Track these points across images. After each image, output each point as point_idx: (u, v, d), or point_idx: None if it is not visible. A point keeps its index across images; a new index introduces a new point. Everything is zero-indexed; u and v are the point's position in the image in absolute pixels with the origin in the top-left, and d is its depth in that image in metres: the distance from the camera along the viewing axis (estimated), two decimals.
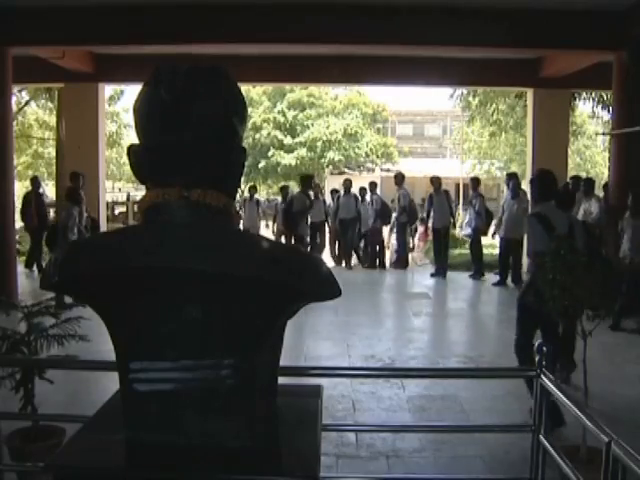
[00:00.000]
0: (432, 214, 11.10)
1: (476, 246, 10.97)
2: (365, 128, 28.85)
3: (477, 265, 10.87)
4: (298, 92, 27.92)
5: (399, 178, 11.89)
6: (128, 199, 18.36)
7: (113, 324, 1.36)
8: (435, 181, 11.28)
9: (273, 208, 13.45)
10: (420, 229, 13.27)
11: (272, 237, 11.80)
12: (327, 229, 13.01)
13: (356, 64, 10.62)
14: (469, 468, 3.85)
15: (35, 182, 11.56)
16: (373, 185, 12.66)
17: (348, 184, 12.49)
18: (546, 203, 4.65)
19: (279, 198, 14.37)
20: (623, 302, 6.68)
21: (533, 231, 4.54)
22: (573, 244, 4.03)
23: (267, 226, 14.44)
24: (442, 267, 11.00)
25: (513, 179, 10.43)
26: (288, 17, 8.05)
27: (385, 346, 6.58)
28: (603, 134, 17.68)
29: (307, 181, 11.40)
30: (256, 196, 13.48)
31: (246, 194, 13.04)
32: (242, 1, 7.95)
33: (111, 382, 1.54)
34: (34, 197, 11.14)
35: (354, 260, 12.69)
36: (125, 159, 19.09)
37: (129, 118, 19.71)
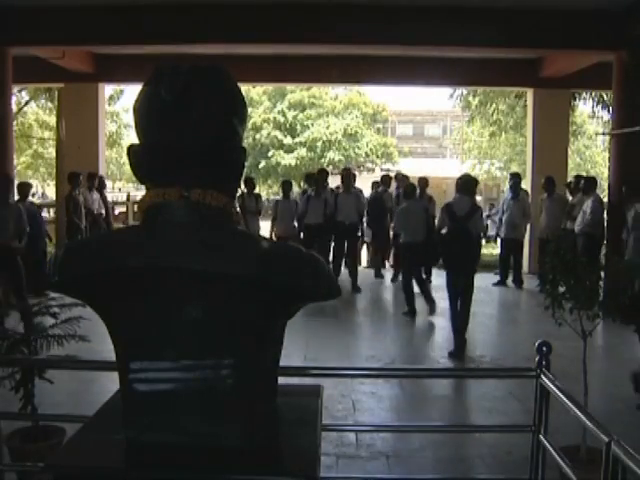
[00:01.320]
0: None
1: None
2: (365, 128, 28.83)
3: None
4: (298, 92, 27.91)
5: (398, 178, 11.87)
6: (128, 199, 18.31)
7: (113, 324, 1.36)
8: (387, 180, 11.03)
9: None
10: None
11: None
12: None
13: (356, 64, 10.61)
14: (469, 468, 3.85)
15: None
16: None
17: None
18: (460, 195, 6.26)
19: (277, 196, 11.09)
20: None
21: (441, 213, 6.37)
22: (466, 225, 6.09)
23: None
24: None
25: (515, 179, 10.33)
26: (288, 17, 8.04)
27: (385, 346, 6.58)
28: (603, 134, 17.63)
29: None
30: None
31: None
32: (242, 1, 7.95)
33: (111, 382, 1.54)
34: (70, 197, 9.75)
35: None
36: (125, 159, 19.04)
37: (129, 118, 19.69)
